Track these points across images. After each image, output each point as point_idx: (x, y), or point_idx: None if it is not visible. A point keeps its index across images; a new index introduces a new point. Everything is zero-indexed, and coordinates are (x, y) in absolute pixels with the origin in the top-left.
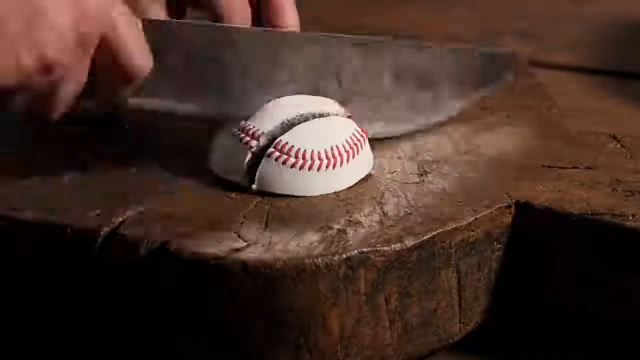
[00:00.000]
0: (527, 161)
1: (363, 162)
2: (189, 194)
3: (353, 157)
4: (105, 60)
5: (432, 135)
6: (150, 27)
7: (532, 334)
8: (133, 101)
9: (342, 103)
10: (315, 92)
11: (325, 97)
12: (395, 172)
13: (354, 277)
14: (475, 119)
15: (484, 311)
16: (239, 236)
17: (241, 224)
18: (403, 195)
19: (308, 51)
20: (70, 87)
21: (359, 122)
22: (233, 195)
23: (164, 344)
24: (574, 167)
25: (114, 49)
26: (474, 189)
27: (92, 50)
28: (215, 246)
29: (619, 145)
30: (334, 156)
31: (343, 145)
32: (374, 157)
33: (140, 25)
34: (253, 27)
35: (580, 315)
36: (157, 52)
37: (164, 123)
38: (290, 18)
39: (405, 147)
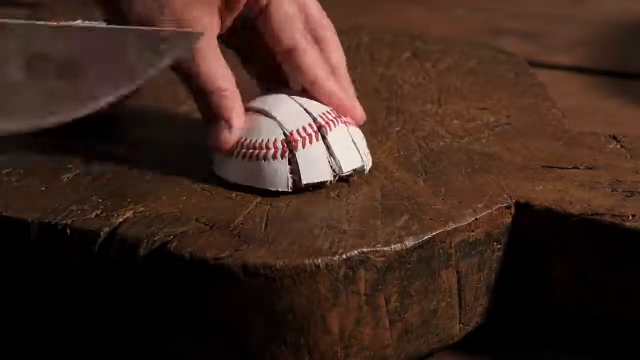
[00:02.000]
0: (527, 161)
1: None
2: (189, 194)
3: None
4: None
5: (432, 135)
6: None
7: (532, 334)
8: None
9: None
10: None
11: None
12: (395, 172)
13: (354, 277)
14: (475, 119)
15: (484, 311)
16: (239, 236)
17: (241, 224)
18: (403, 195)
19: None
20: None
21: None
22: (233, 195)
23: (164, 344)
24: (574, 168)
25: None
26: (474, 189)
27: None
28: (215, 246)
29: (619, 146)
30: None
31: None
32: (368, 155)
33: None
34: None
35: (580, 315)
36: None
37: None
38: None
39: (405, 146)
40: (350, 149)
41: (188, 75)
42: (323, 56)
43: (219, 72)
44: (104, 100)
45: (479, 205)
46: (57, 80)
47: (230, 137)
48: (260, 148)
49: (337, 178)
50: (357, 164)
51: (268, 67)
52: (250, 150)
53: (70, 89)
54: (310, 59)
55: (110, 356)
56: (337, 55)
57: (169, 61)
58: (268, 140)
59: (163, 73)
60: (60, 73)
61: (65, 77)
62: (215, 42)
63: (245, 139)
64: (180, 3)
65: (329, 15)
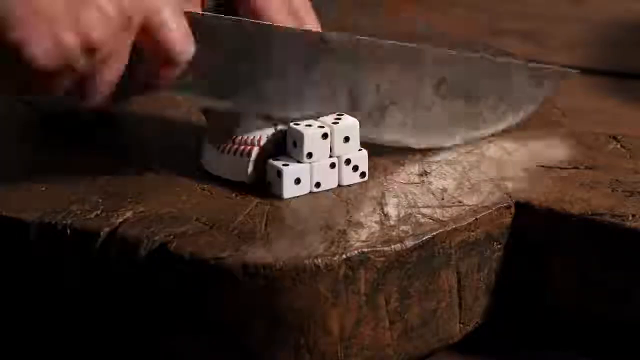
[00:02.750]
0: (527, 161)
1: None
2: (189, 194)
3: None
4: (148, 44)
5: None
6: (190, 21)
7: (532, 334)
8: (166, 94)
9: (379, 109)
10: (349, 95)
11: (360, 102)
12: (395, 172)
13: (354, 277)
14: None
15: (484, 311)
16: (239, 236)
17: (241, 224)
18: (403, 196)
19: (345, 54)
20: (113, 70)
21: (391, 132)
22: (233, 195)
23: (164, 344)
24: (574, 168)
25: (157, 34)
26: (474, 189)
27: (135, 33)
28: (215, 246)
29: (619, 146)
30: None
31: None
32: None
33: (183, 11)
34: (291, 27)
35: (580, 315)
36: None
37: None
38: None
39: (407, 146)
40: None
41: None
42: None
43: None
44: (490, 128)
45: (479, 205)
46: (462, 103)
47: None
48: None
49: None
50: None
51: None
52: (236, 147)
53: (471, 112)
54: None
55: (110, 356)
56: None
57: (550, 94)
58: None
59: None
60: (466, 96)
61: (469, 100)
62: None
63: (237, 136)
64: None
65: (330, 15)
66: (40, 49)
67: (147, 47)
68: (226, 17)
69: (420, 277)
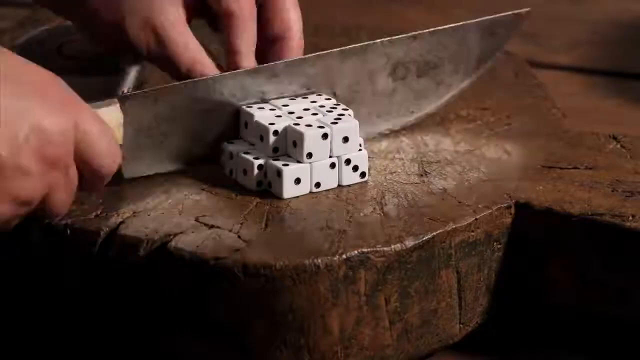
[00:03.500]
0: (527, 161)
1: None
2: (188, 194)
3: None
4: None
5: (432, 135)
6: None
7: (532, 334)
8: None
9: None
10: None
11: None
12: (395, 172)
13: (354, 277)
14: (475, 119)
15: (484, 311)
16: (239, 236)
17: (241, 224)
18: (403, 196)
19: (297, 74)
20: (62, 196)
21: (363, 125)
22: (233, 195)
23: (164, 344)
24: (574, 168)
25: (83, 159)
26: (474, 189)
27: (70, 164)
28: (215, 246)
29: (619, 146)
30: None
31: None
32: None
33: (108, 128)
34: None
35: (580, 315)
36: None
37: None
38: (292, 19)
39: (406, 147)
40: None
41: (166, 58)
42: (272, 19)
43: (190, 45)
44: (456, 87)
45: (479, 205)
46: (420, 80)
47: None
48: None
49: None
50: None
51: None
52: None
53: (431, 85)
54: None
55: (110, 356)
56: (294, 14)
57: (507, 41)
58: None
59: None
60: (421, 73)
61: (426, 75)
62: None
63: None
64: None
65: (329, 15)
66: None
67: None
68: (153, 88)
69: (420, 277)
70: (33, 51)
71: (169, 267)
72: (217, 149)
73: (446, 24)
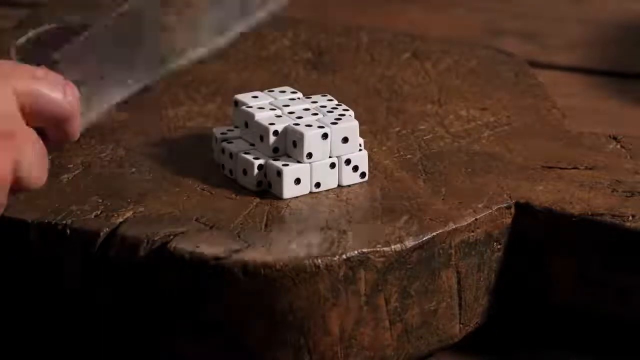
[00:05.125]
0: (527, 161)
1: None
2: (188, 194)
3: None
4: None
5: (432, 135)
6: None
7: (532, 334)
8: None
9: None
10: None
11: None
12: (395, 172)
13: (354, 277)
14: (475, 119)
15: (484, 311)
16: (239, 236)
17: (241, 224)
18: (403, 195)
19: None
20: (31, 163)
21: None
22: (233, 195)
23: (164, 344)
24: (574, 168)
25: (37, 113)
26: (474, 189)
27: (24, 130)
28: (215, 246)
29: (619, 146)
30: None
31: None
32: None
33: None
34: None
35: (580, 315)
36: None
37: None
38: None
39: (406, 147)
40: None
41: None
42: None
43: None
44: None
45: (479, 206)
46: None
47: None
48: None
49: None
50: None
51: None
52: None
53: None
54: None
55: (110, 356)
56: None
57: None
58: None
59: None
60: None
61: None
62: None
63: None
64: None
65: (329, 15)
66: None
67: None
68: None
69: (420, 277)
70: (33, 51)
71: (169, 267)
72: (153, 69)
73: (446, 24)
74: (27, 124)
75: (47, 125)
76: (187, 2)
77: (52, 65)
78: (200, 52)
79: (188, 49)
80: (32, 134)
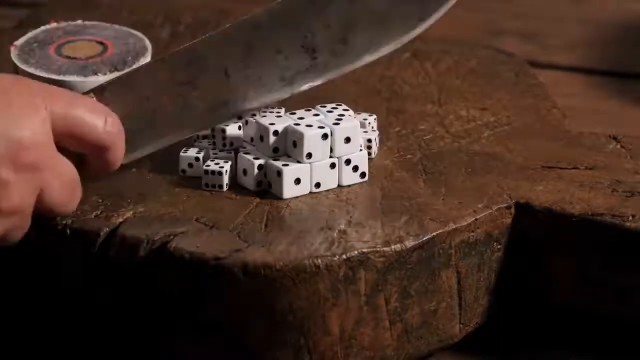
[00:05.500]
0: (527, 161)
1: None
2: (188, 194)
3: None
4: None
5: (432, 135)
6: (110, 88)
7: (532, 334)
8: (127, 160)
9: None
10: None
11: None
12: (395, 172)
13: (354, 277)
14: (475, 119)
15: (484, 311)
16: (239, 236)
17: (241, 224)
18: (403, 195)
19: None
20: (56, 192)
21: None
22: (233, 195)
23: (164, 344)
24: (574, 168)
25: (76, 140)
26: (474, 189)
27: (55, 158)
28: (215, 246)
29: (619, 146)
30: None
31: None
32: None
33: (89, 101)
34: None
35: (580, 315)
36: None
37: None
38: None
39: (406, 147)
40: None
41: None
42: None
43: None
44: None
45: (479, 206)
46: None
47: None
48: None
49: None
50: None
51: None
52: None
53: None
54: None
55: (110, 356)
56: None
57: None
58: None
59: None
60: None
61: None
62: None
63: None
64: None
65: None
66: None
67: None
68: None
69: (420, 277)
70: (33, 51)
71: (169, 267)
72: (210, 114)
73: (446, 24)
74: (64, 147)
75: (85, 151)
76: (249, 47)
77: (100, 94)
78: (262, 102)
79: (251, 98)
80: (62, 165)
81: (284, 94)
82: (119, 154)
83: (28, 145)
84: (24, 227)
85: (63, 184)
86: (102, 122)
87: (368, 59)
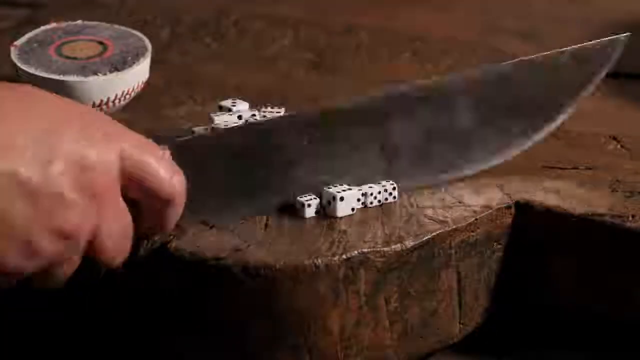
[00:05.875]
0: (527, 161)
1: None
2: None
3: None
4: (136, 193)
5: None
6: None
7: (532, 334)
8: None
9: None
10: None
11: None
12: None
13: (354, 277)
14: None
15: (484, 311)
16: (239, 236)
17: (241, 224)
18: (403, 196)
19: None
20: (113, 231)
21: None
22: None
23: (164, 344)
24: (574, 168)
25: (137, 185)
26: (474, 189)
27: (118, 195)
28: (215, 246)
29: (619, 146)
30: None
31: None
32: None
33: (159, 151)
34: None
35: (580, 315)
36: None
37: None
38: None
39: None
40: None
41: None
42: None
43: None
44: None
45: (479, 205)
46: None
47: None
48: None
49: None
50: None
51: None
52: None
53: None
54: None
55: (110, 356)
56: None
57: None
58: None
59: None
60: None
61: (516, 116)
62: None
63: None
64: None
65: (329, 15)
66: (16, 261)
67: (137, 196)
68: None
69: (420, 277)
70: (33, 51)
71: (169, 267)
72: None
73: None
74: (124, 194)
75: (144, 200)
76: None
77: (175, 150)
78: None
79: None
80: (123, 209)
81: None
82: (176, 212)
83: (95, 166)
84: (73, 262)
85: (120, 229)
86: (169, 174)
87: (445, 177)
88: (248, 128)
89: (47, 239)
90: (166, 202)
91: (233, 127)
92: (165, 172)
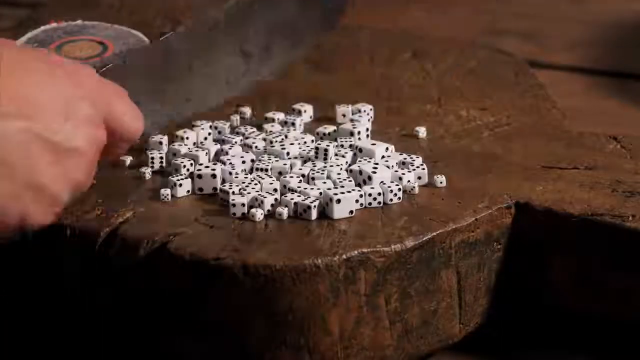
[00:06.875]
0: (527, 161)
1: None
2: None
3: None
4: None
5: (432, 135)
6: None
7: (532, 334)
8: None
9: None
10: None
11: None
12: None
13: (354, 277)
14: (475, 119)
15: (484, 311)
16: (239, 236)
17: (241, 224)
18: (403, 196)
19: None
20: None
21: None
22: None
23: (164, 344)
24: (574, 168)
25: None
26: (474, 189)
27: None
28: (215, 246)
29: (619, 146)
30: None
31: None
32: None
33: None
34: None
35: (580, 315)
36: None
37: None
38: None
39: (406, 147)
40: None
41: None
42: None
43: None
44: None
45: (479, 206)
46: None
47: None
48: None
49: None
50: None
51: None
52: None
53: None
54: None
55: (110, 356)
56: None
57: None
58: None
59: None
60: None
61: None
62: None
63: None
64: None
65: None
66: (43, 218)
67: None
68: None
69: (420, 277)
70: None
71: (169, 267)
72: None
73: (447, 24)
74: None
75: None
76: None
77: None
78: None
79: (211, 95)
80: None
81: (226, 95)
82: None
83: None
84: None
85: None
86: (136, 125)
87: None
88: (144, 49)
89: (65, 189)
90: (126, 142)
91: (132, 49)
92: (131, 122)
